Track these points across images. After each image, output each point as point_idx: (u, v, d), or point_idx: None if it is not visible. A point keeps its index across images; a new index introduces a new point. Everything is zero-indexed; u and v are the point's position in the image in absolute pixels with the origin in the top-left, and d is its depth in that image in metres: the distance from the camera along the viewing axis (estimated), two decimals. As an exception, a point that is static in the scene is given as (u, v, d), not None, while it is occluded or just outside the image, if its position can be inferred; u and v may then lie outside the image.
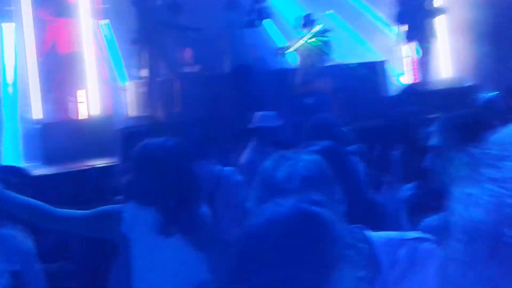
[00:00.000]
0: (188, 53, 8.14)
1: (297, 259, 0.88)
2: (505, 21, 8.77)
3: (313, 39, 6.54)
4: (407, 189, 2.35)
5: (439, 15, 8.16)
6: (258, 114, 4.20)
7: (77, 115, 7.17)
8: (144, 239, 2.00)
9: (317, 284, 0.89)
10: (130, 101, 7.35)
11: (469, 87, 8.03)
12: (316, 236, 0.90)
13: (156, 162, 2.04)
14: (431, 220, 1.61)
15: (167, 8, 6.24)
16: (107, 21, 7.61)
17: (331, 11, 8.80)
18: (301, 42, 6.65)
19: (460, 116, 1.77)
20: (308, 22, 6.65)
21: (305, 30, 6.69)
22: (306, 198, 0.96)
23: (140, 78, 6.83)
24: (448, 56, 9.29)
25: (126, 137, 2.93)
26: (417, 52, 8.58)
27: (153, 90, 6.46)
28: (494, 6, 8.75)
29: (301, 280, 0.88)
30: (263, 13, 6.18)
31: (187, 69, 7.93)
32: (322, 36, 6.54)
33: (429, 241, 1.23)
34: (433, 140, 1.71)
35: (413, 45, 8.45)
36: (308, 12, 6.92)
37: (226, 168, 3.25)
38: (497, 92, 3.81)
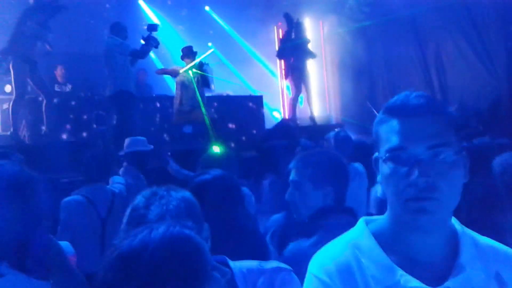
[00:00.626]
0: (60, 72, 7.73)
1: (171, 279, 0.89)
2: (372, 67, 9.70)
3: (193, 70, 6.65)
4: (275, 220, 2.44)
5: (313, 57, 8.80)
6: (131, 139, 4.21)
7: None
8: None
9: None
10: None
11: (335, 125, 8.70)
12: (188, 256, 0.92)
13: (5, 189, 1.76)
14: (291, 249, 1.71)
15: (39, 23, 5.90)
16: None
17: (210, 44, 9.05)
18: (181, 71, 6.72)
19: (312, 154, 1.93)
20: (188, 53, 6.77)
21: (185, 61, 6.78)
22: (177, 223, 0.98)
23: (5, 93, 6.31)
24: (320, 95, 10.01)
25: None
26: (289, 89, 9.11)
27: (18, 108, 5.98)
28: (363, 52, 9.65)
29: None
30: (150, 42, 6.11)
31: (58, 88, 7.53)
32: (201, 68, 6.67)
33: (286, 271, 1.32)
34: (292, 175, 1.83)
35: (288, 82, 8.99)
36: (188, 45, 7.06)
37: (116, 186, 3.24)
38: (341, 129, 4.21)
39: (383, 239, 1.07)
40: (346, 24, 9.89)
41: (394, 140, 1.02)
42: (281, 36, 9.60)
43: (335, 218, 1.68)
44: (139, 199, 1.36)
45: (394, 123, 1.03)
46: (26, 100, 6.14)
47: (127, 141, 4.14)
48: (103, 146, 4.11)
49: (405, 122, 1.03)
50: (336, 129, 4.13)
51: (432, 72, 8.82)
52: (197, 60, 6.72)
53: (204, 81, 6.63)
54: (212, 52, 7.74)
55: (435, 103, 1.05)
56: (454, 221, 1.09)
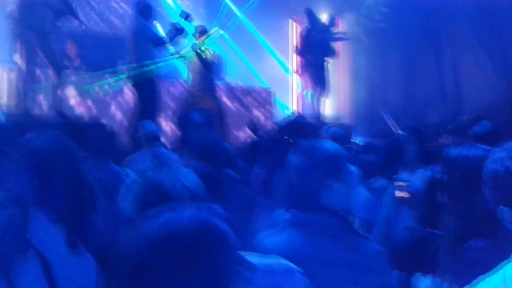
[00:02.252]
0: (72, 49, 7.61)
1: (195, 270, 0.83)
2: (385, 71, 9.57)
3: (198, 50, 6.53)
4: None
5: (332, 56, 8.69)
6: (143, 122, 4.34)
7: None
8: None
9: None
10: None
11: (345, 125, 8.60)
12: (215, 248, 0.86)
13: (42, 159, 1.66)
14: None
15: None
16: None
17: (222, 32, 8.93)
18: (187, 49, 6.65)
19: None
20: (196, 32, 6.68)
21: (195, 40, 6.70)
22: (205, 206, 0.91)
23: (13, 63, 6.18)
24: (333, 95, 9.86)
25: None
26: (303, 88, 9.00)
27: (26, 79, 5.88)
28: (378, 55, 9.49)
29: None
30: (174, 32, 6.03)
31: (69, 65, 7.44)
32: (202, 47, 6.56)
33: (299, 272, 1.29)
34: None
35: (302, 78, 8.89)
36: (198, 24, 6.96)
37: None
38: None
39: None
40: (363, 24, 9.75)
41: None
42: (299, 32, 9.49)
43: None
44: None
45: None
46: (34, 74, 6.04)
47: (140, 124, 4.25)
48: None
49: None
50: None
51: (447, 82, 8.71)
52: (201, 39, 6.61)
53: (207, 62, 6.52)
54: (218, 35, 7.58)
55: None
56: None
